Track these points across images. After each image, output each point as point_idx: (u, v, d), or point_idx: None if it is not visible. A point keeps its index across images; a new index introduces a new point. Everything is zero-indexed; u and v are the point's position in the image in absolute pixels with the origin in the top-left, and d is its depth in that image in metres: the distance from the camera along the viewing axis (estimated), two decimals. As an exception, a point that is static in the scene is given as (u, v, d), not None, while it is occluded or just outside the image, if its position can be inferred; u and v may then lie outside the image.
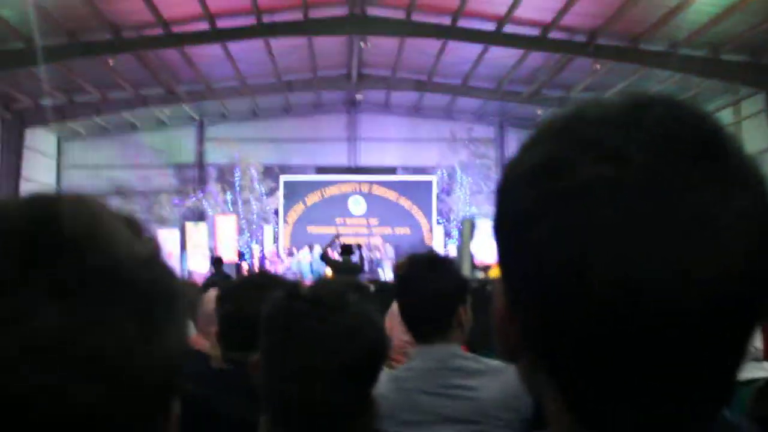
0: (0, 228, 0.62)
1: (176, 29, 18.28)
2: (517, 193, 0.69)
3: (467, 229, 10.49)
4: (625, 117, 0.67)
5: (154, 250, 0.69)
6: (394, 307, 4.49)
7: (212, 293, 4.83)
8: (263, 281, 2.59)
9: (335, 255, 12.63)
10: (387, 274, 21.18)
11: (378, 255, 23.52)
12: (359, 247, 13.57)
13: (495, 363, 2.34)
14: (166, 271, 0.69)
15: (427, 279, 2.38)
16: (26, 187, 22.72)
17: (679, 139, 0.65)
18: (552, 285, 0.65)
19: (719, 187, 0.63)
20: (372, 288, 5.96)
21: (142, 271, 0.65)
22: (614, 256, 0.62)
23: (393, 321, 3.08)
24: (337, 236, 14.02)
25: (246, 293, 2.47)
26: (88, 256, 0.62)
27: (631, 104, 0.69)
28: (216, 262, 15.71)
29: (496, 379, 2.26)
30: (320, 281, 1.70)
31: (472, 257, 10.21)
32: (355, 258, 12.62)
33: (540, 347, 0.69)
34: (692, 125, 0.67)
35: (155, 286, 0.66)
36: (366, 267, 20.57)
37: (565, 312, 0.64)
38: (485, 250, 10.13)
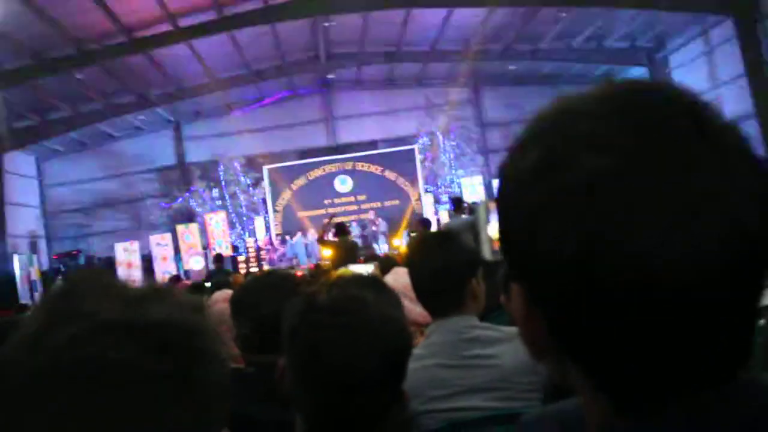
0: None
1: (139, 34, 18.13)
2: (520, 193, 0.71)
3: (482, 213, 10.41)
4: (613, 106, 0.69)
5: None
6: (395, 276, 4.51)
7: (220, 293, 4.88)
8: (276, 281, 2.62)
9: (330, 236, 12.61)
10: (383, 248, 21.23)
11: (373, 229, 23.53)
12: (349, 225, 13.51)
13: (511, 329, 2.38)
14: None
15: (437, 254, 2.42)
16: (11, 211, 22.60)
17: (670, 124, 0.67)
18: (570, 275, 0.67)
19: (719, 166, 0.66)
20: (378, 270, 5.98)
21: None
22: (627, 243, 0.64)
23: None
24: (331, 218, 13.99)
25: (261, 295, 2.50)
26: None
27: (615, 93, 0.71)
28: (216, 259, 15.77)
29: (514, 344, 2.30)
30: (335, 284, 1.70)
31: (491, 241, 10.17)
32: (350, 236, 12.64)
33: (565, 337, 0.71)
34: (680, 108, 0.68)
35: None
36: (362, 243, 20.62)
37: (587, 299, 0.66)
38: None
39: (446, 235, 2.59)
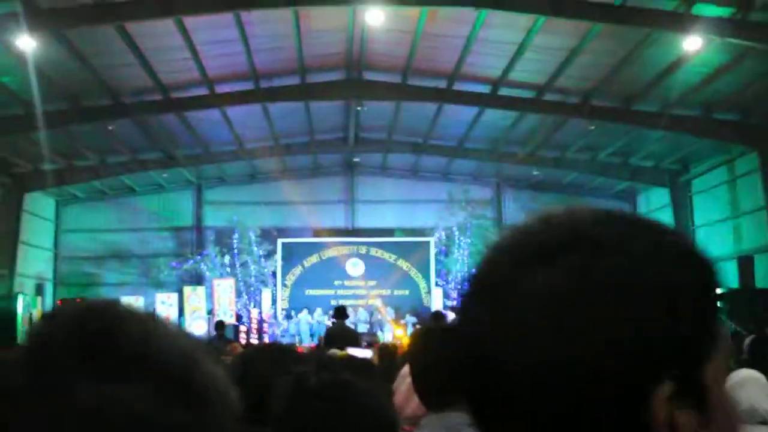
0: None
1: (175, 95, 18.43)
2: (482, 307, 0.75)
3: None
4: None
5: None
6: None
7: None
8: (276, 355, 2.59)
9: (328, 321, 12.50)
10: (387, 336, 21.06)
11: (378, 317, 23.42)
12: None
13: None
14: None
15: (437, 348, 2.38)
16: (23, 251, 22.69)
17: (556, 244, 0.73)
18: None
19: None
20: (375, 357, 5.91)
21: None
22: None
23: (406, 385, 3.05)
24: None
25: (261, 365, 2.46)
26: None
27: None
28: (218, 326, 15.60)
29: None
30: (325, 366, 1.69)
31: None
32: (349, 321, 12.41)
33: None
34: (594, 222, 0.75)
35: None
36: (366, 329, 20.49)
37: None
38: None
39: (449, 330, 2.55)
